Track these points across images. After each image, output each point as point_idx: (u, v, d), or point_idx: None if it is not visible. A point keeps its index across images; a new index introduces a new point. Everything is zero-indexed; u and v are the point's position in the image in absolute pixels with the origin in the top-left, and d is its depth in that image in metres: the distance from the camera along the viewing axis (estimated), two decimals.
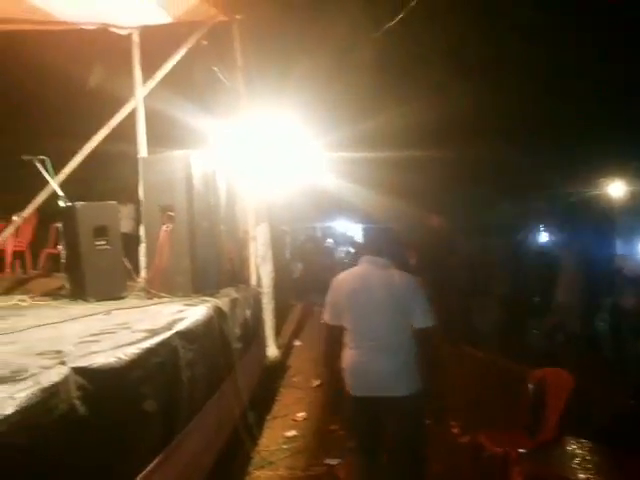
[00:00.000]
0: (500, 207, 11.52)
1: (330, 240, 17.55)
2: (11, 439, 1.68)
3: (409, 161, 8.42)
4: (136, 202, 7.13)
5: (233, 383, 4.07)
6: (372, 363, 2.77)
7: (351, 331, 2.86)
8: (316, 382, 5.91)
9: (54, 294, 4.99)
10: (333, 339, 2.95)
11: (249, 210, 5.31)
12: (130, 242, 5.39)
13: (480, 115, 7.79)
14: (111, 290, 4.38)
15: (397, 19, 4.91)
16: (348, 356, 2.88)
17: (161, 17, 4.75)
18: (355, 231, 17.77)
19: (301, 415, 5.15)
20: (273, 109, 5.11)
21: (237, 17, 4.80)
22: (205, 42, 4.78)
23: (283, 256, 11.49)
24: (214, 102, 5.34)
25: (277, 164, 5.53)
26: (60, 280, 5.67)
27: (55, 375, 1.95)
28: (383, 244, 2.92)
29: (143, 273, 4.86)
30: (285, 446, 4.51)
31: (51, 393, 1.87)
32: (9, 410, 1.69)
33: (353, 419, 2.97)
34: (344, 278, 2.94)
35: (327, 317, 2.95)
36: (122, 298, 4.39)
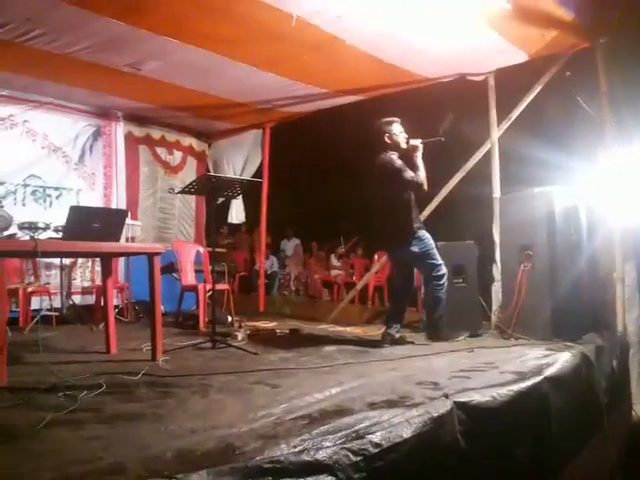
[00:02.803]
0: None
1: None
2: (409, 461, 1.86)
3: None
4: (475, 239, 7.26)
5: (602, 441, 3.65)
6: None
7: None
8: None
9: (412, 326, 5.42)
10: None
11: (614, 247, 4.76)
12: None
13: None
14: (467, 327, 4.50)
15: None
16: None
17: (518, 57, 4.79)
18: None
19: None
20: None
21: (601, 41, 4.46)
22: (569, 73, 4.58)
23: None
24: (572, 135, 5.05)
25: None
26: (415, 313, 6.15)
27: (442, 407, 2.09)
28: None
29: (497, 312, 4.84)
30: None
31: (440, 423, 2.01)
32: (407, 434, 1.88)
33: None
34: None
35: None
36: (478, 336, 4.46)
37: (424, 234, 3.99)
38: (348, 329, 5.31)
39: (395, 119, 4.09)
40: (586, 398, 3.35)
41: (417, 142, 3.97)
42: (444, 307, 4.05)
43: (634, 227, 4.99)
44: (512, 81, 5.44)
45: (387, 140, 4.00)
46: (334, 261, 10.47)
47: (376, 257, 8.37)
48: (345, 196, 9.95)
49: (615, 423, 4.23)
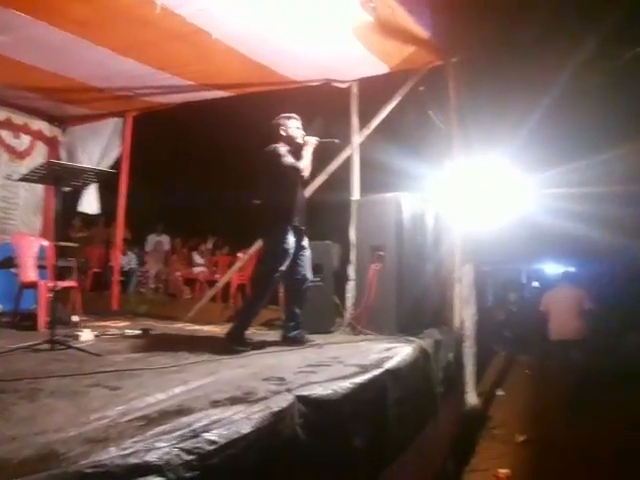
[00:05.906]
0: None
1: (536, 283, 16.49)
2: (246, 456, 1.87)
3: None
4: (339, 241, 7.59)
5: (435, 428, 3.98)
6: None
7: None
8: (521, 437, 5.45)
9: (270, 324, 5.49)
10: None
11: (455, 250, 5.22)
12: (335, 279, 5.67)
13: None
14: (321, 324, 4.66)
15: None
16: None
17: (379, 68, 5.06)
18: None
19: (504, 472, 4.76)
20: (486, 147, 5.02)
21: (453, 60, 4.88)
22: (422, 88, 4.94)
23: (484, 299, 10.99)
24: (424, 144, 5.46)
25: (486, 203, 5.37)
26: (275, 312, 6.23)
27: (283, 401, 2.13)
28: None
29: (350, 309, 5.07)
30: None
31: (279, 418, 2.05)
32: (246, 429, 1.89)
33: None
34: None
35: None
36: (330, 332, 4.63)
37: (283, 235, 3.82)
38: (206, 328, 5.22)
39: (293, 115, 4.09)
40: (422, 388, 3.62)
41: (313, 139, 3.99)
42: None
43: (474, 231, 5.52)
44: (375, 91, 5.74)
45: (282, 133, 3.99)
46: (197, 258, 10.23)
47: (240, 254, 8.32)
48: (214, 193, 9.78)
49: (449, 411, 4.63)
